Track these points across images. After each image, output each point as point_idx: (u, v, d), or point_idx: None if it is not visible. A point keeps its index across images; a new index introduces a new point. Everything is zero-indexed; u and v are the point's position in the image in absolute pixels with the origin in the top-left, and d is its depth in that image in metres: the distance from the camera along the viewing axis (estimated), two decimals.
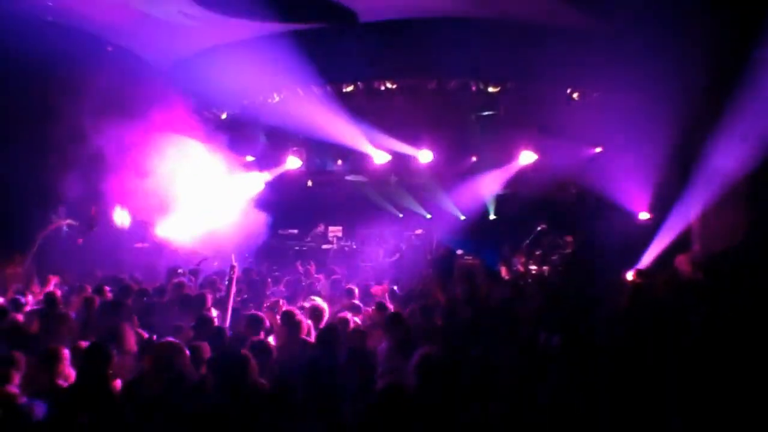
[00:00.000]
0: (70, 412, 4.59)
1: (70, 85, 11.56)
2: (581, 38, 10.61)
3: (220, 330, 6.80)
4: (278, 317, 7.28)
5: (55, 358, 5.17)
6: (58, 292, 8.82)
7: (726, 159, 9.84)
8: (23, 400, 4.78)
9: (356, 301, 8.87)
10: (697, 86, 9.69)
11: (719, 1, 9.31)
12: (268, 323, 6.94)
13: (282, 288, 10.79)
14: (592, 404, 4.81)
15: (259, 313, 7.14)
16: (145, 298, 8.73)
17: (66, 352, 5.29)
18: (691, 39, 9.25)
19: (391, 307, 8.50)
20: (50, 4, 10.45)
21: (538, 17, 10.83)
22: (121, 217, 13.33)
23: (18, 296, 8.46)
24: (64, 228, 11.59)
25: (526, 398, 4.97)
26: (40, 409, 4.66)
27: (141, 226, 13.56)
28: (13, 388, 4.92)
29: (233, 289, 8.19)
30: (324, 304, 7.65)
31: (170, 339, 5.46)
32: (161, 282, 10.35)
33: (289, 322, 6.73)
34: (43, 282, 9.51)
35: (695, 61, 9.33)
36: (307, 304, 7.90)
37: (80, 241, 11.11)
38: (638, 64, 10.33)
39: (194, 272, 11.23)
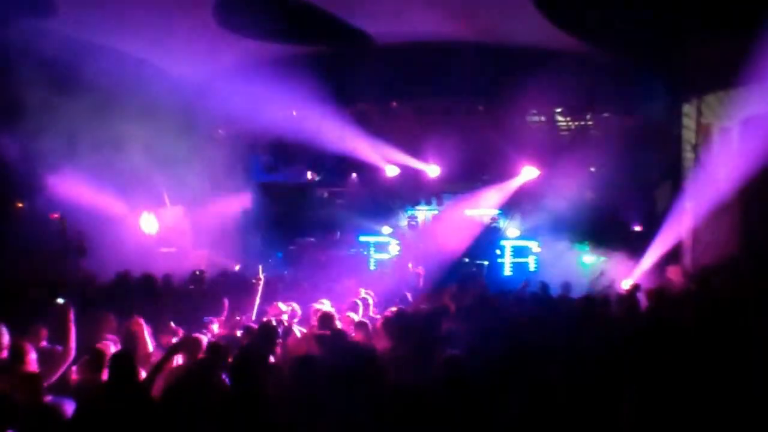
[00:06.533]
0: (103, 411, 4.50)
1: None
2: (576, 62, 11.16)
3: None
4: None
5: (102, 358, 5.25)
6: None
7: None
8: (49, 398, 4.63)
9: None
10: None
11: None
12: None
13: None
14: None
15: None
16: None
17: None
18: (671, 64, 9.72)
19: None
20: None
21: (538, 43, 11.40)
22: (148, 224, 13.67)
23: None
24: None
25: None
26: (69, 407, 4.47)
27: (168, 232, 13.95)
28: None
29: (256, 299, 8.59)
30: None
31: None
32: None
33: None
34: None
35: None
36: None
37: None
38: (629, 86, 10.80)
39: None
